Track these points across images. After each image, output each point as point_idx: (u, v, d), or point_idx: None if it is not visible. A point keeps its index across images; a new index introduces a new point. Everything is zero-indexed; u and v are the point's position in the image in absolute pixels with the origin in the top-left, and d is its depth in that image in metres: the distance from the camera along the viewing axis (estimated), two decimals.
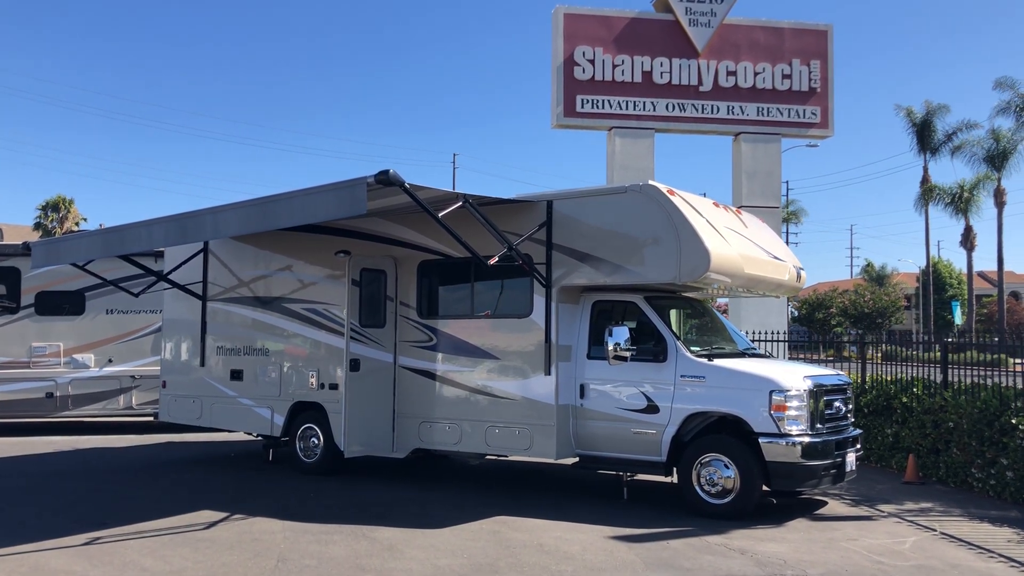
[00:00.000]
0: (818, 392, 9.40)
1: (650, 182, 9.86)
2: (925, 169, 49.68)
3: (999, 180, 46.01)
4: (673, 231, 9.47)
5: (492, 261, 9.59)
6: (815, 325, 55.11)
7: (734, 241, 10.12)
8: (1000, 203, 46.11)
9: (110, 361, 16.57)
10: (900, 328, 60.84)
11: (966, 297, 56.17)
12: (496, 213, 9.95)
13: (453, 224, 9.18)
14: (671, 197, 9.64)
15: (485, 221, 9.44)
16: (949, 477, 11.18)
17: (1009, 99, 42.73)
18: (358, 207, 8.34)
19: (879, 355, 14.26)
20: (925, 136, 48.58)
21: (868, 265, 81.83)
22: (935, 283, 60.40)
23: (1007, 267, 49.69)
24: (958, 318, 57.24)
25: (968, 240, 50.19)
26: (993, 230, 54.97)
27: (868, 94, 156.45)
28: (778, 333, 14.63)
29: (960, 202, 49.18)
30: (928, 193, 49.54)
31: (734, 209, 11.43)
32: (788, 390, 9.08)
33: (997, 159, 45.05)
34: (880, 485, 11.27)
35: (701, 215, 9.82)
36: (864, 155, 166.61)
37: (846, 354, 18.61)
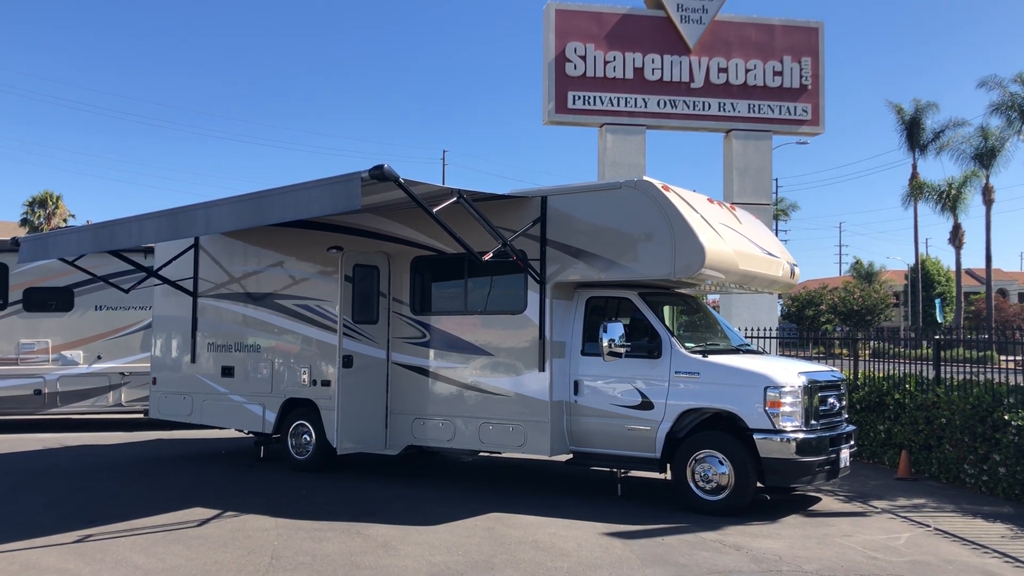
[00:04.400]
0: (812, 388, 9.40)
1: (644, 178, 9.83)
2: (914, 166, 49.93)
3: (987, 178, 46.27)
4: (668, 227, 9.45)
5: (486, 257, 9.54)
6: (805, 322, 55.30)
7: (728, 237, 10.10)
8: (988, 200, 46.35)
9: (99, 358, 16.47)
10: (889, 325, 61.07)
11: (954, 294, 56.41)
12: (490, 209, 9.92)
13: (447, 220, 9.14)
14: (666, 193, 9.61)
15: (479, 217, 9.40)
16: (941, 473, 11.21)
17: (1001, 98, 42.93)
18: (352, 202, 8.29)
19: (867, 352, 14.29)
20: (914, 133, 48.83)
21: (857, 262, 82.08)
22: (923, 280, 60.67)
23: (995, 264, 49.93)
24: (939, 315, 57.46)
25: (956, 237, 50.43)
26: (981, 227, 55.22)
27: (856, 92, 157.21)
28: (769, 330, 14.64)
29: (948, 199, 49.42)
30: (917, 190, 49.76)
31: (728, 205, 11.42)
32: (783, 386, 9.08)
33: (985, 157, 45.27)
34: (873, 481, 11.29)
35: (695, 211, 9.79)
36: (853, 153, 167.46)
37: (836, 351, 18.65)
